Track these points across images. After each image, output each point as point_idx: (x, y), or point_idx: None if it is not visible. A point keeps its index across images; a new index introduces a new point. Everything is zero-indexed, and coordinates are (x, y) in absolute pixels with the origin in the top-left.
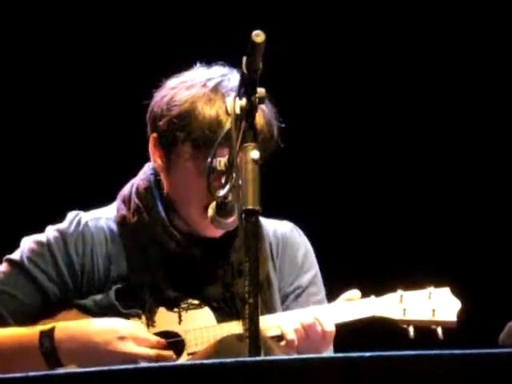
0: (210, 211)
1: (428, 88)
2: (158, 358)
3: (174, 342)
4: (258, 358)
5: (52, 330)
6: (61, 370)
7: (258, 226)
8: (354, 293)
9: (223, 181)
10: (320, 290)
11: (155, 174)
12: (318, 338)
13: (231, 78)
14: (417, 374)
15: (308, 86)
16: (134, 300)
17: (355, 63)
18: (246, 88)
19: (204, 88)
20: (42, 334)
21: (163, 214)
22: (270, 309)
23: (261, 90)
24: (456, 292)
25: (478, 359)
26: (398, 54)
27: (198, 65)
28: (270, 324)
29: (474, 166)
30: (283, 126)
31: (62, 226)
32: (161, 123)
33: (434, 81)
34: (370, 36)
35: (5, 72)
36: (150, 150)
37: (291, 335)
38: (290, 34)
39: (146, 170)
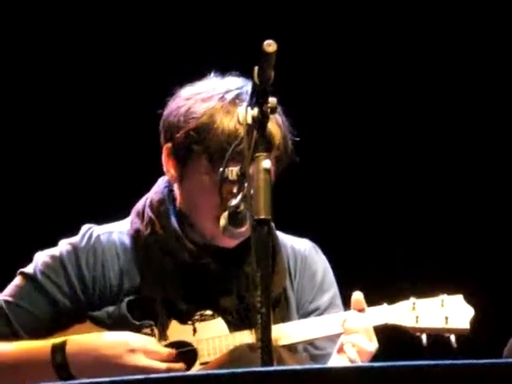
0: (223, 221)
1: (432, 100)
2: (168, 371)
3: (186, 351)
4: (270, 368)
5: (64, 343)
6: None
7: (270, 236)
8: (358, 296)
9: (235, 190)
10: (340, 309)
11: (169, 187)
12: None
13: (248, 90)
14: None
15: (320, 101)
16: (147, 312)
17: (367, 75)
18: (257, 98)
19: (222, 100)
20: (54, 347)
21: (176, 225)
22: None
23: (272, 100)
24: (469, 299)
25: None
26: (402, 65)
27: (212, 74)
28: (283, 333)
29: (488, 169)
30: (298, 139)
31: (75, 239)
32: (177, 135)
33: (436, 92)
34: (375, 50)
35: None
36: (163, 159)
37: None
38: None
39: (160, 184)
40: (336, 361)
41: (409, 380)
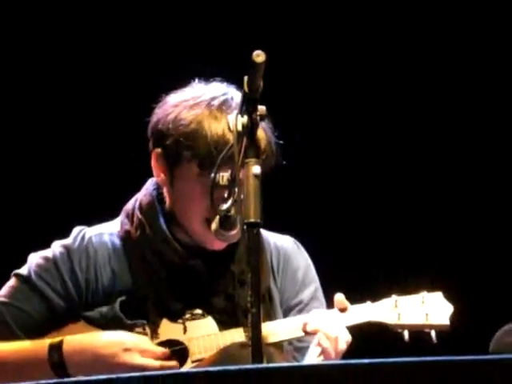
0: (214, 225)
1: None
2: (162, 369)
3: (178, 350)
4: (260, 365)
5: (60, 343)
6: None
7: (259, 238)
8: (339, 297)
9: (226, 195)
10: (321, 304)
11: (158, 189)
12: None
13: (234, 96)
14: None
15: (306, 104)
16: (139, 312)
17: (358, 78)
18: (247, 106)
19: (209, 107)
20: (51, 347)
21: (165, 227)
22: (271, 320)
23: (261, 108)
24: (448, 296)
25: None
26: (393, 71)
27: (196, 81)
28: (271, 331)
29: (468, 172)
30: (281, 142)
31: (67, 241)
32: (167, 141)
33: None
34: (367, 55)
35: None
36: (152, 164)
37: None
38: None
39: (149, 186)
40: (313, 353)
41: (387, 376)
